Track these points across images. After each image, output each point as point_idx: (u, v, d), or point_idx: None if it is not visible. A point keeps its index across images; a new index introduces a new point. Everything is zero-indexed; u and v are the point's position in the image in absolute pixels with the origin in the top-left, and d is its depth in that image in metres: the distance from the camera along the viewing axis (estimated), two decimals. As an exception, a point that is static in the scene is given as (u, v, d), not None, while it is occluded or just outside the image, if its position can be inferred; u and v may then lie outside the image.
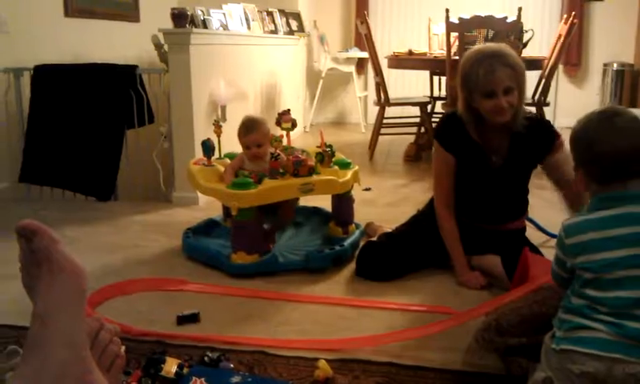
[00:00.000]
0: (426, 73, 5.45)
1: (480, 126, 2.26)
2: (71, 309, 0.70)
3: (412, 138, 5.15)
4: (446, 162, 2.36)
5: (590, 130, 1.46)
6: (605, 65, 6.45)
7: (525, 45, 4.62)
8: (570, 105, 6.60)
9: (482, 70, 2.13)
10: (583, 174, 1.47)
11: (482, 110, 2.19)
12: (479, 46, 2.27)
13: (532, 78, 4.75)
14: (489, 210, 2.37)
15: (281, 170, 2.49)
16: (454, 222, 2.37)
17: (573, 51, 6.50)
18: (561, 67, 6.45)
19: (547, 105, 4.77)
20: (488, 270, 2.30)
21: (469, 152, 2.30)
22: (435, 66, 4.89)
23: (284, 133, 2.91)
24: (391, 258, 2.39)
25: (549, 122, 2.42)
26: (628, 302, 1.31)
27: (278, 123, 2.81)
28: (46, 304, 0.70)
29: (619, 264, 1.34)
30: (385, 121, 4.93)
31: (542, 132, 2.27)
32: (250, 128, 2.63)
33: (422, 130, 5.12)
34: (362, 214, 3.01)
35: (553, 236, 2.69)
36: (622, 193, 1.40)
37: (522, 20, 4.29)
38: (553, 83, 5.21)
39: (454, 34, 4.35)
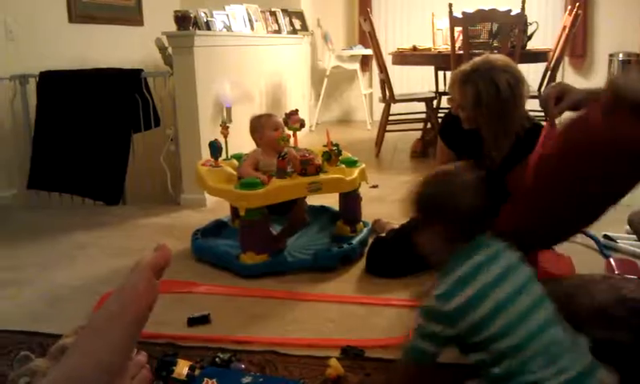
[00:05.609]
0: (431, 68, 5.43)
1: None
2: (124, 328, 0.68)
3: (418, 134, 5.14)
4: (448, 158, 2.36)
5: (442, 189, 1.48)
6: (610, 55, 6.41)
7: (529, 37, 4.60)
8: (577, 96, 6.56)
9: (453, 73, 2.26)
10: (437, 233, 1.45)
11: None
12: (486, 55, 2.26)
13: (538, 70, 4.78)
14: (493, 207, 2.36)
15: (289, 170, 2.49)
16: None
17: (578, 42, 6.47)
18: (566, 59, 6.42)
19: (553, 97, 4.74)
20: None
21: (469, 150, 2.30)
22: (440, 61, 4.87)
23: (291, 133, 2.91)
24: (402, 254, 2.38)
25: None
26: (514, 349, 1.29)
27: (286, 123, 2.81)
28: (102, 314, 0.69)
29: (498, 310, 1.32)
30: (390, 117, 4.93)
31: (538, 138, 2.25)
32: (270, 114, 2.80)
33: (428, 125, 5.11)
34: (370, 211, 3.01)
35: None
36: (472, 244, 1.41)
37: (526, 12, 4.27)
38: (558, 75, 5.19)
39: (457, 29, 4.33)
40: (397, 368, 1.50)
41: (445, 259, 1.43)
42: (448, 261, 1.41)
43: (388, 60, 5.02)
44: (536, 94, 4.58)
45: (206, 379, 1.59)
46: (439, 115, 4.95)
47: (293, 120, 2.82)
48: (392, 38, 6.82)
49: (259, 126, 2.70)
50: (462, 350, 1.41)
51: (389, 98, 4.86)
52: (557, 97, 1.77)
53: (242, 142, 3.07)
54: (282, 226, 2.70)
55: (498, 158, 2.27)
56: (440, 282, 1.39)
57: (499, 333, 1.30)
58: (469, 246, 1.41)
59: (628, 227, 2.41)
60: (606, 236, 2.61)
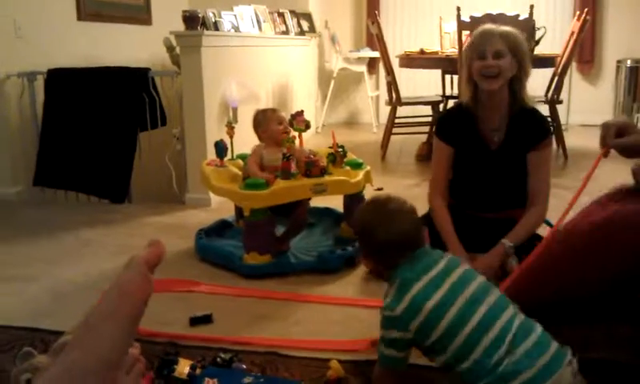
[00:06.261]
0: (438, 72, 5.43)
1: (479, 101, 2.29)
2: (120, 324, 0.69)
3: (424, 138, 5.13)
4: (444, 153, 2.39)
5: (374, 219, 1.53)
6: (618, 61, 6.39)
7: (537, 42, 4.58)
8: (584, 102, 6.55)
9: (479, 31, 2.28)
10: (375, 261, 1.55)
11: (475, 76, 2.24)
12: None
13: (545, 75, 4.77)
14: (491, 196, 2.36)
15: (293, 171, 2.49)
16: (447, 211, 2.37)
17: (586, 48, 6.45)
18: (574, 64, 6.40)
19: (560, 103, 4.73)
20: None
21: (467, 137, 2.33)
22: (447, 64, 4.87)
23: (297, 134, 2.91)
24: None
25: (547, 120, 2.43)
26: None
27: (291, 124, 2.81)
28: (99, 309, 0.70)
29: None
30: (397, 120, 4.92)
31: (536, 124, 2.30)
32: (274, 108, 2.80)
33: (434, 129, 5.10)
34: (374, 213, 3.00)
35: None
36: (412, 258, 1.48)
37: (534, 17, 4.26)
38: (566, 81, 5.18)
39: (465, 33, 4.33)
40: (376, 376, 1.55)
41: (387, 272, 1.51)
42: (390, 273, 1.49)
43: (395, 63, 5.02)
44: (542, 99, 4.58)
45: (207, 379, 1.59)
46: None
47: (298, 121, 2.82)
48: (399, 40, 6.82)
49: (264, 119, 2.70)
50: (426, 355, 1.47)
51: (395, 101, 4.86)
52: (619, 130, 1.75)
53: (247, 142, 3.07)
54: (285, 227, 2.70)
55: (496, 137, 2.29)
56: (387, 293, 1.47)
57: (450, 326, 1.35)
58: (410, 257, 1.48)
59: None
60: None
